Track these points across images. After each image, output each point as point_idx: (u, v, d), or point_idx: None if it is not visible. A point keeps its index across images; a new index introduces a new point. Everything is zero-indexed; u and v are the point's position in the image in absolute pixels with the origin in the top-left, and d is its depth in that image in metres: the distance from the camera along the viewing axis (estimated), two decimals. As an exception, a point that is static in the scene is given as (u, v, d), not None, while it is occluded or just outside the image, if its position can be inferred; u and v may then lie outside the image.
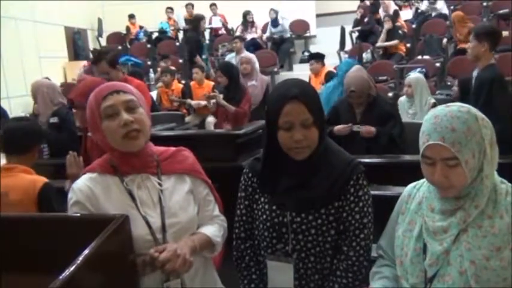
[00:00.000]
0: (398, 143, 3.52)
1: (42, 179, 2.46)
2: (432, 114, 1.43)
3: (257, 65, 6.71)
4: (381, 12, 9.77)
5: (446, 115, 1.39)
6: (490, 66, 3.88)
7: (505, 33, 8.41)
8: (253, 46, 9.89)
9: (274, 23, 10.52)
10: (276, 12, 10.47)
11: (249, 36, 10.24)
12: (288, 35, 10.64)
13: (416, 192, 1.60)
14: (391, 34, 8.90)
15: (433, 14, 9.91)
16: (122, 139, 1.56)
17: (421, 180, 1.60)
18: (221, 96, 5.66)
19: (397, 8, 9.98)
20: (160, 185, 1.65)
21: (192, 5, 11.44)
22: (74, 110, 2.97)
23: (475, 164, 1.39)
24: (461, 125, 1.36)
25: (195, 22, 9.61)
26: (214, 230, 1.75)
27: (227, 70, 5.68)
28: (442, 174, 1.39)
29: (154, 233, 1.59)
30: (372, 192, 1.71)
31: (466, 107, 1.42)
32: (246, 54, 7.27)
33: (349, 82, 3.60)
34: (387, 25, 8.82)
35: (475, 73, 3.93)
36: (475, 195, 1.42)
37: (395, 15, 9.28)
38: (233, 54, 8.47)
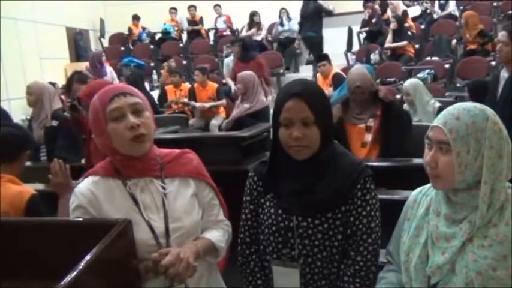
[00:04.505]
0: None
1: (29, 190, 2.39)
2: (451, 106, 1.45)
3: (254, 84, 5.89)
4: (389, 13, 9.61)
5: (460, 107, 1.41)
6: None
7: None
8: (259, 47, 9.73)
9: (284, 22, 10.35)
10: (287, 12, 10.33)
11: (255, 38, 10.07)
12: (295, 35, 10.46)
13: (422, 198, 1.57)
14: (399, 35, 8.79)
15: (442, 14, 9.77)
16: (128, 142, 1.55)
17: (427, 185, 1.58)
18: None
19: (406, 8, 9.83)
20: (164, 188, 1.63)
21: (195, 7, 11.36)
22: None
23: (469, 163, 1.36)
24: (467, 117, 1.37)
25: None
26: (218, 235, 1.73)
27: None
28: (432, 157, 1.41)
29: (157, 237, 1.57)
30: (381, 196, 1.69)
31: (483, 106, 1.42)
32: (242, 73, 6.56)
33: (354, 78, 3.48)
34: (393, 25, 8.67)
35: (504, 74, 3.74)
36: (478, 206, 1.39)
37: (404, 16, 9.14)
38: (232, 56, 8.38)
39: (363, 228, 1.60)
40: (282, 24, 10.47)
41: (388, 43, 8.89)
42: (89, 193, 1.57)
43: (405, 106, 5.32)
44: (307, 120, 1.55)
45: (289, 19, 10.43)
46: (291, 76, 9.38)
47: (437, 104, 4.97)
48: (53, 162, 2.51)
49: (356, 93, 3.48)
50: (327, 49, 9.35)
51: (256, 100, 5.84)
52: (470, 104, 1.42)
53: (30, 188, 2.41)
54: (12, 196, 2.31)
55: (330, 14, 9.42)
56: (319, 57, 7.37)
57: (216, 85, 7.72)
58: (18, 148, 2.52)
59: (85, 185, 1.60)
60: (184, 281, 1.54)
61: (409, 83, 5.27)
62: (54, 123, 4.07)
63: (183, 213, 1.64)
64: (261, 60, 7.47)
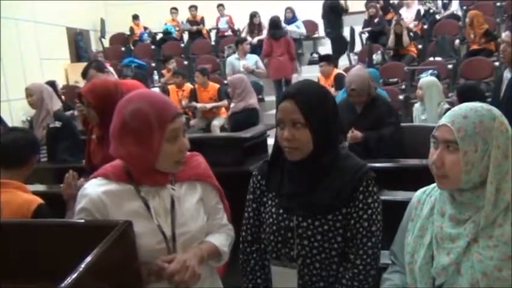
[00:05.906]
0: (388, 144, 3.52)
1: (37, 200, 2.35)
2: (457, 106, 1.45)
3: (242, 87, 6.22)
4: (403, 12, 9.60)
5: (467, 107, 1.41)
6: None
7: None
8: (260, 48, 9.65)
9: (291, 21, 10.27)
10: (292, 11, 10.27)
11: (256, 39, 10.00)
12: (300, 35, 10.37)
13: (426, 198, 1.57)
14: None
15: (445, 14, 9.73)
16: (174, 163, 1.57)
17: (431, 186, 1.57)
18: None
19: (420, 7, 9.83)
20: (173, 191, 1.64)
21: (196, 7, 11.31)
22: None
23: (475, 162, 1.36)
24: (475, 117, 1.37)
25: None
26: (222, 239, 1.74)
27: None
28: (439, 156, 1.40)
29: (168, 242, 1.58)
30: (383, 197, 1.69)
31: (490, 107, 1.43)
32: (235, 77, 6.72)
33: (350, 80, 3.59)
34: (398, 29, 8.59)
35: (507, 74, 3.71)
36: (483, 206, 1.38)
37: (418, 16, 9.18)
38: (235, 55, 8.32)
39: (364, 232, 1.60)
40: (289, 22, 10.33)
41: (390, 44, 8.84)
42: (96, 196, 1.56)
43: (417, 104, 5.30)
44: (297, 122, 1.56)
45: (294, 18, 10.34)
46: (293, 76, 9.32)
47: (446, 106, 4.89)
48: (67, 174, 2.52)
49: (352, 96, 3.58)
50: (329, 49, 9.30)
51: (242, 99, 6.14)
52: (477, 104, 1.42)
53: (37, 197, 2.38)
54: (19, 204, 2.28)
55: (343, 11, 9.35)
56: (321, 58, 7.34)
57: (217, 86, 7.70)
58: (29, 152, 2.48)
59: (93, 187, 1.58)
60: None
61: (426, 79, 5.22)
62: (58, 124, 4.08)
63: (189, 218, 1.64)
64: (290, 39, 8.40)
